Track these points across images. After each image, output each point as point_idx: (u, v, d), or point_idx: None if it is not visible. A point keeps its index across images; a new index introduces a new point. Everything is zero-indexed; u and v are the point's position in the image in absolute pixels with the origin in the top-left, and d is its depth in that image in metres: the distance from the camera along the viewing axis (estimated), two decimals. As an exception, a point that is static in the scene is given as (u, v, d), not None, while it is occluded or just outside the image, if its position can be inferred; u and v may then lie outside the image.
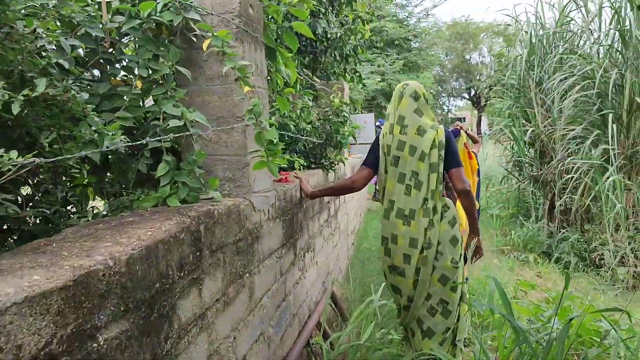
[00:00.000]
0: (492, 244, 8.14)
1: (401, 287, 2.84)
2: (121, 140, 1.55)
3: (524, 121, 9.39)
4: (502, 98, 10.61)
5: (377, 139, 2.95)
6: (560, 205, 7.81)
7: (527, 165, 9.40)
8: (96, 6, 1.86)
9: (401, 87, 2.91)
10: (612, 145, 7.33)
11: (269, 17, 2.49)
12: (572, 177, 7.69)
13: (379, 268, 5.17)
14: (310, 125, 3.82)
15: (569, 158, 7.76)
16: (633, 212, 7.53)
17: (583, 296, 5.45)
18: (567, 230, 7.91)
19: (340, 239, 4.95)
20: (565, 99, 8.29)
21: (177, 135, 1.69)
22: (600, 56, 7.96)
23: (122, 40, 1.97)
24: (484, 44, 38.58)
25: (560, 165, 7.94)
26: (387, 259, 2.87)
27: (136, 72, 1.81)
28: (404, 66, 14.65)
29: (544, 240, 8.06)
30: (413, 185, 2.72)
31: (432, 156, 2.72)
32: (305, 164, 3.66)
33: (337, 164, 4.26)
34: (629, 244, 7.31)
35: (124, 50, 1.98)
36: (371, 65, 13.35)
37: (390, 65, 14.08)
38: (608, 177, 7.46)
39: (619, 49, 7.61)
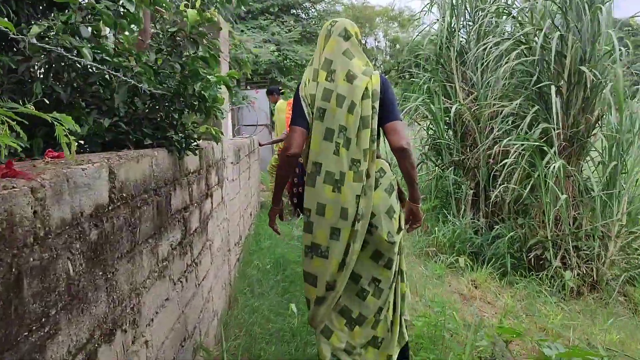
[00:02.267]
0: (415, 245, 6.67)
1: (318, 273, 2.40)
2: None
3: (444, 98, 8.03)
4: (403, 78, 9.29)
5: (297, 90, 2.49)
6: (496, 196, 6.48)
7: (446, 149, 8.05)
8: None
9: (328, 25, 2.54)
10: (554, 124, 6.09)
11: None
12: (506, 163, 6.39)
13: (277, 302, 3.39)
14: (140, 62, 1.94)
15: (506, 139, 6.43)
16: (574, 204, 6.38)
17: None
18: (500, 227, 6.61)
19: (215, 263, 3.10)
20: (495, 69, 7.00)
21: None
22: (535, 18, 6.70)
23: None
24: (379, 29, 38.14)
25: (496, 147, 6.60)
26: (307, 237, 2.43)
27: None
28: (301, 36, 12.84)
29: (474, 239, 6.72)
30: (342, 143, 2.34)
31: (364, 108, 2.34)
32: (116, 139, 1.78)
33: (199, 141, 2.41)
34: (571, 241, 6.14)
35: None
36: (264, 32, 11.42)
37: (286, 33, 12.18)
38: (548, 162, 6.25)
39: (560, 5, 6.37)
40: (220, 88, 2.20)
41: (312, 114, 2.38)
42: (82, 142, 1.90)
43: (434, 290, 5.26)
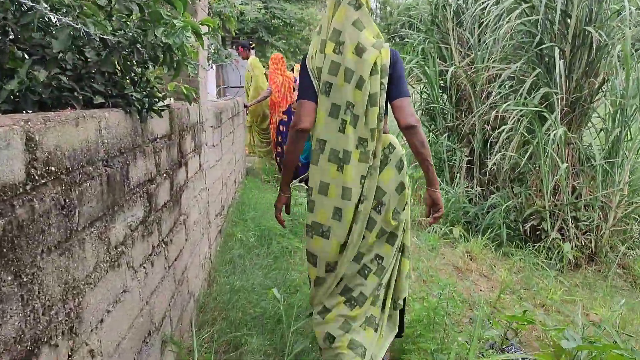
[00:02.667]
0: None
1: (317, 253, 2.29)
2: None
3: (439, 61, 7.64)
4: (393, 40, 8.88)
5: (303, 61, 2.30)
6: (493, 164, 6.18)
7: (440, 114, 7.70)
8: None
9: None
10: (556, 88, 5.76)
11: None
12: (503, 129, 6.07)
13: (260, 282, 3.08)
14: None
15: (504, 105, 6.09)
16: (573, 173, 6.10)
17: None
18: (495, 196, 6.33)
19: (191, 239, 2.77)
20: (494, 30, 6.61)
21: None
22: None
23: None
24: (370, -10, 37.12)
25: (493, 112, 6.26)
26: (309, 215, 2.30)
27: None
28: (289, -8, 12.22)
29: (468, 208, 6.44)
30: (349, 120, 2.19)
31: (373, 85, 2.17)
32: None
33: (166, 100, 2.05)
34: (569, 211, 5.89)
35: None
36: (251, -12, 10.85)
37: (274, -10, 11.57)
38: (548, 129, 5.95)
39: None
40: (190, 36, 1.82)
41: (317, 88, 2.24)
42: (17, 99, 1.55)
43: (427, 262, 5.01)
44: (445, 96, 7.84)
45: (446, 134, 7.54)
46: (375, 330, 2.36)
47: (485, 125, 6.97)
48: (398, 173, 2.29)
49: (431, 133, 7.80)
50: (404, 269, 2.45)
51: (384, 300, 2.42)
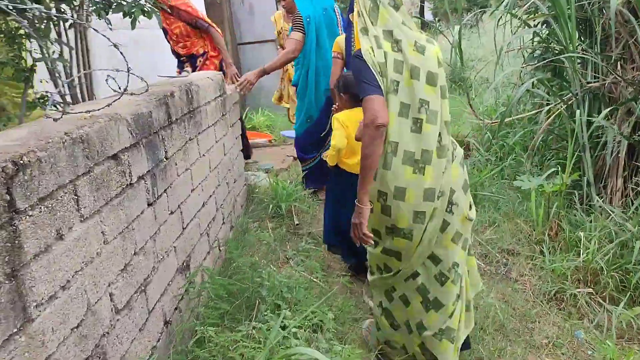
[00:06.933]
0: (546, 281, 3.25)
1: (402, 251, 2.28)
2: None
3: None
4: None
5: (359, 56, 2.17)
6: None
7: (573, 67, 4.45)
8: None
9: None
10: None
11: None
12: None
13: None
14: None
15: None
16: None
17: None
18: None
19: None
20: None
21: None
22: None
23: None
24: None
25: None
26: (385, 219, 2.25)
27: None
28: None
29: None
30: (425, 118, 2.16)
31: (441, 78, 2.22)
32: None
33: None
34: None
35: None
36: None
37: None
38: None
39: None
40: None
41: (385, 85, 2.15)
42: None
43: None
44: (577, 35, 4.62)
45: (584, 102, 4.37)
46: (452, 342, 2.33)
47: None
48: (463, 170, 2.31)
49: (560, 101, 4.62)
50: (472, 265, 2.49)
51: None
